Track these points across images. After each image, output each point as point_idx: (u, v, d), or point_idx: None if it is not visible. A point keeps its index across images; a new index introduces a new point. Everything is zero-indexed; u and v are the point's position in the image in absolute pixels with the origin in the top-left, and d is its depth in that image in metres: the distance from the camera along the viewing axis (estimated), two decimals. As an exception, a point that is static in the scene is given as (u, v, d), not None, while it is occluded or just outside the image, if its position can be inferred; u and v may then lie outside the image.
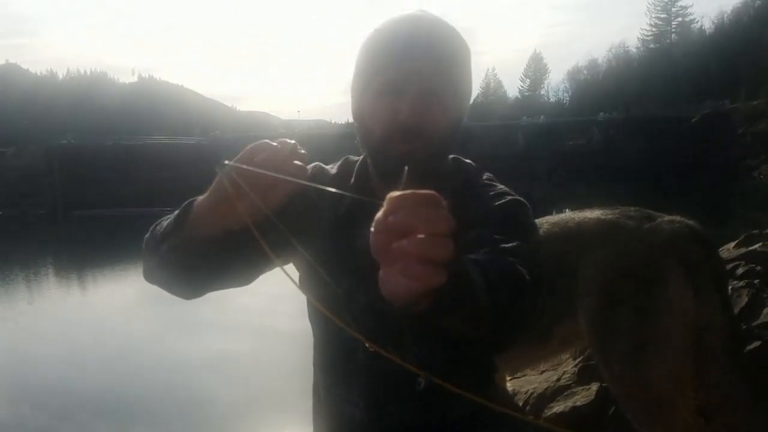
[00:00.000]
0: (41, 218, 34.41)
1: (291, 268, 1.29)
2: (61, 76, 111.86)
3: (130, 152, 44.56)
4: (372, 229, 0.65)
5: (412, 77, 1.11)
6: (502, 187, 1.21)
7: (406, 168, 0.71)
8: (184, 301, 1.21)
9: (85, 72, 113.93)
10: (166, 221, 1.09)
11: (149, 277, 1.15)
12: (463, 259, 0.81)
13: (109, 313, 12.48)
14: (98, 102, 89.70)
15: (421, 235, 0.62)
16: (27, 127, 64.90)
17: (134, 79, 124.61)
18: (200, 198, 1.00)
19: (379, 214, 0.64)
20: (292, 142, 0.94)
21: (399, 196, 0.63)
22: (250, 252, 1.09)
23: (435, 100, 1.12)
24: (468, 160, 1.30)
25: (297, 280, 1.29)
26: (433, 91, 1.12)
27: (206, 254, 1.03)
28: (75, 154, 43.60)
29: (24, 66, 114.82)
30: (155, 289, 1.18)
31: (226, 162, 0.88)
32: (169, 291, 1.16)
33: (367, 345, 0.75)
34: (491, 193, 1.18)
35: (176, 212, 1.05)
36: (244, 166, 0.88)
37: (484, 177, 1.25)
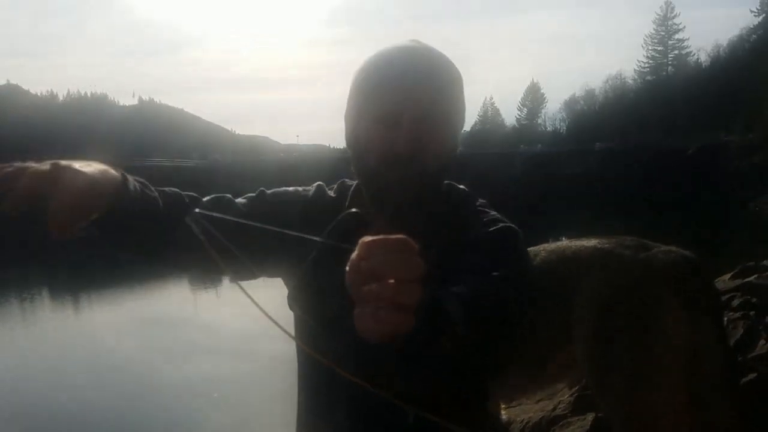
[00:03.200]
0: (37, 239, 34.30)
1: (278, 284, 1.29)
2: (61, 98, 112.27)
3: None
4: (347, 268, 0.68)
5: (406, 107, 1.12)
6: (495, 213, 1.21)
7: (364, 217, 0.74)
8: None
9: (86, 94, 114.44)
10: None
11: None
12: (440, 294, 0.83)
13: (102, 336, 12.39)
14: (98, 124, 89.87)
15: (391, 281, 0.64)
16: (26, 148, 65.03)
17: (135, 101, 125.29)
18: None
19: (353, 256, 0.67)
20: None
21: (370, 241, 0.66)
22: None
23: (429, 129, 1.12)
24: (461, 186, 1.30)
25: (286, 296, 1.29)
26: (427, 120, 1.12)
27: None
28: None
29: (25, 87, 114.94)
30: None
31: (197, 210, 0.91)
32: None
33: (351, 376, 0.75)
34: (483, 219, 1.18)
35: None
36: (214, 214, 0.90)
37: (477, 203, 1.25)
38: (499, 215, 1.20)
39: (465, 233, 1.15)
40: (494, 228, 1.15)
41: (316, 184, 1.33)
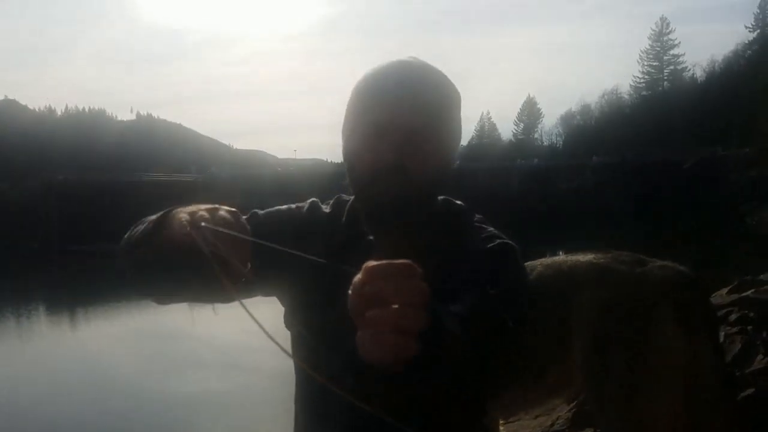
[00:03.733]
0: (34, 253, 34.19)
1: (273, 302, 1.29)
2: (59, 113, 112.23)
3: (125, 188, 44.78)
4: (350, 291, 0.68)
5: (397, 119, 1.12)
6: (492, 229, 1.21)
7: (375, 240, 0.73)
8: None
9: (84, 109, 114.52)
10: (143, 225, 1.08)
11: (122, 275, 1.13)
12: (442, 313, 0.83)
13: (100, 351, 12.32)
14: (97, 139, 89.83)
15: (395, 306, 0.65)
16: (25, 163, 64.95)
17: (133, 116, 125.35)
18: (175, 215, 0.98)
19: (356, 280, 0.67)
20: (233, 210, 0.95)
21: (374, 266, 0.66)
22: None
23: (420, 141, 1.13)
24: (459, 202, 1.30)
25: (283, 314, 1.29)
26: (418, 133, 1.13)
27: (178, 263, 1.02)
28: (71, 190, 43.78)
29: (23, 102, 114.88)
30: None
31: (203, 224, 0.90)
32: (139, 292, 1.14)
33: (348, 395, 0.75)
34: (481, 235, 1.18)
35: (154, 219, 1.04)
36: (220, 229, 0.90)
37: (475, 219, 1.25)
38: (496, 231, 1.20)
39: (462, 247, 1.15)
40: (491, 244, 1.15)
41: (309, 200, 1.33)
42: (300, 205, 1.32)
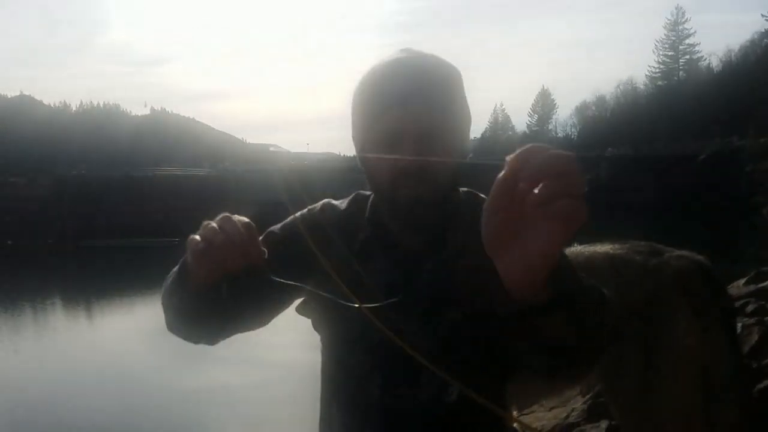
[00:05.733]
0: (49, 248, 34.55)
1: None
2: (74, 108, 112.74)
3: (138, 183, 45.16)
4: (495, 189, 0.71)
5: (407, 122, 1.11)
6: None
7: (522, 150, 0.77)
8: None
9: (98, 104, 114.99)
10: (170, 279, 1.12)
11: (170, 328, 1.17)
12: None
13: (116, 345, 12.45)
14: (111, 134, 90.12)
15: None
16: (40, 158, 65.45)
17: (147, 111, 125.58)
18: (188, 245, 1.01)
19: (502, 174, 0.70)
20: (246, 220, 0.99)
21: (527, 148, 0.69)
22: (263, 294, 1.13)
23: (433, 140, 1.12)
24: (483, 195, 1.29)
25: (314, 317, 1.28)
26: (431, 131, 1.12)
27: (216, 301, 1.04)
28: (84, 185, 44.18)
29: (38, 97, 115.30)
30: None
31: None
32: (189, 340, 1.17)
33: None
34: None
35: (178, 265, 1.07)
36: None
37: None
38: None
39: None
40: None
41: (322, 201, 1.32)
42: (312, 207, 1.31)
